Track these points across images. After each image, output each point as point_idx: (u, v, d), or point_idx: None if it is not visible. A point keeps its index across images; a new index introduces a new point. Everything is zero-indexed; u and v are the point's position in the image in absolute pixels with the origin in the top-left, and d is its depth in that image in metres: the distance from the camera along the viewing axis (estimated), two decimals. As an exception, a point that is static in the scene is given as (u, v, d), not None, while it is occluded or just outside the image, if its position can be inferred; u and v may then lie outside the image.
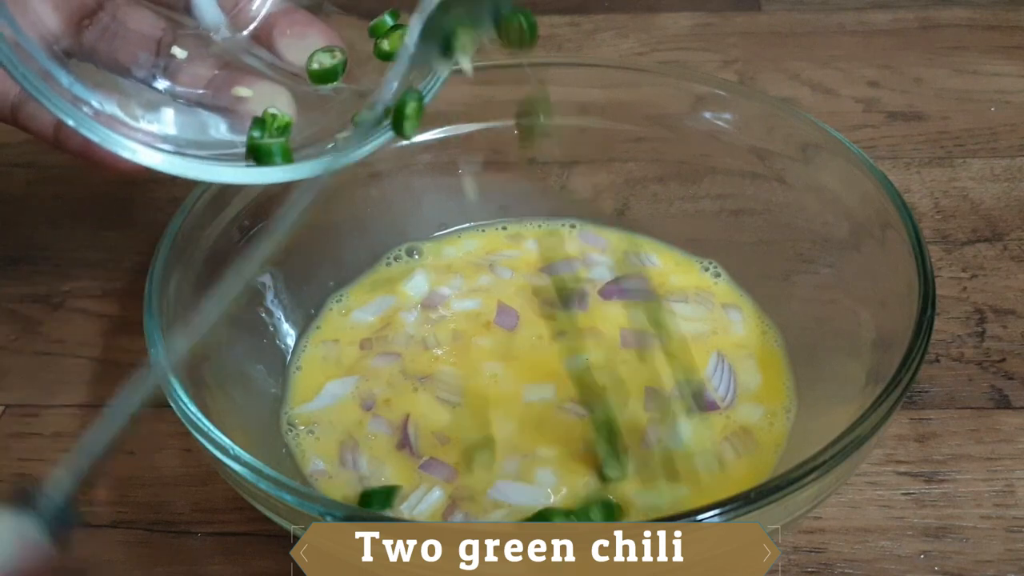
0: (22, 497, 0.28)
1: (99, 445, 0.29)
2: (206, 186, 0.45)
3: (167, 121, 0.39)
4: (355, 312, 0.51)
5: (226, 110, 0.39)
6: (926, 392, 0.49)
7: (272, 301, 0.49)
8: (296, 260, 0.49)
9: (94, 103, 0.36)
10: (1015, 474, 0.46)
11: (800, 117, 0.49)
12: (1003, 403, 0.49)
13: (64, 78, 0.35)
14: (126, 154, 0.35)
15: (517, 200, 0.56)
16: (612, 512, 0.40)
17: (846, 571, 0.42)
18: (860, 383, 0.41)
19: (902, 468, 0.46)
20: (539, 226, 0.55)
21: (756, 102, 0.51)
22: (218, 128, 0.39)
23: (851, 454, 0.34)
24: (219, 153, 0.39)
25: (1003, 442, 0.47)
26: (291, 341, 0.49)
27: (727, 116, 0.51)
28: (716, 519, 0.32)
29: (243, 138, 0.38)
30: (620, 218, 0.55)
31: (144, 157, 0.35)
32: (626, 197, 0.55)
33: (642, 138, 0.53)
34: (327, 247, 0.51)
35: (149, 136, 0.37)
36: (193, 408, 0.36)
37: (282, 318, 0.49)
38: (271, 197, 0.49)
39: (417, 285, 0.52)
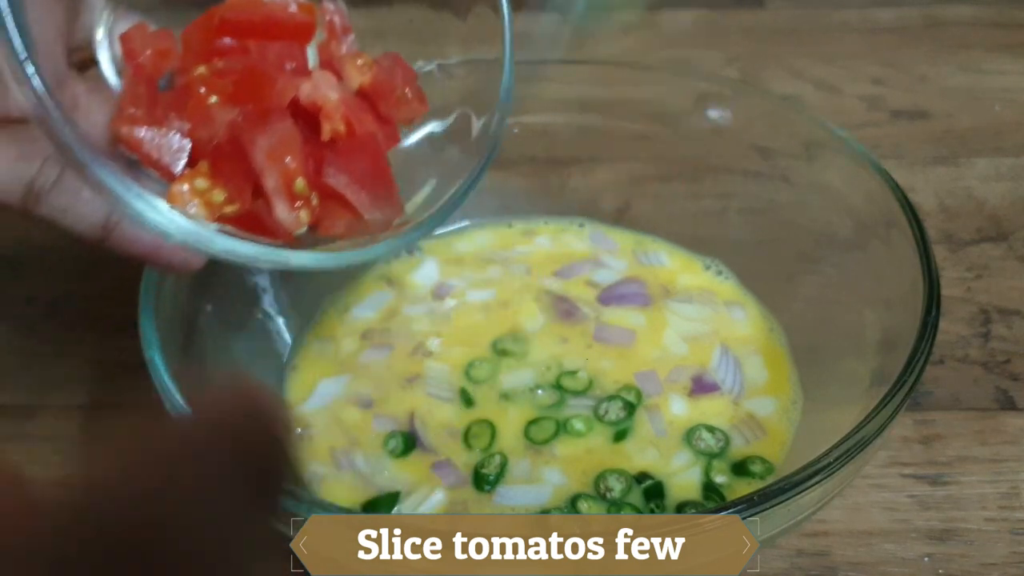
0: None
1: None
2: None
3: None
4: (353, 309, 0.51)
5: None
6: (931, 393, 0.49)
7: (270, 304, 0.48)
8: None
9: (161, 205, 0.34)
10: (1020, 476, 0.45)
11: (803, 115, 0.49)
12: (1008, 404, 0.48)
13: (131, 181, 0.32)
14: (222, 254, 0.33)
15: (518, 199, 0.55)
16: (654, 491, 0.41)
17: (850, 574, 0.42)
18: (865, 384, 0.40)
19: (906, 470, 0.46)
20: (545, 223, 0.55)
21: (759, 100, 0.51)
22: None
23: (855, 456, 0.34)
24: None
25: (1008, 444, 0.47)
26: (289, 341, 0.49)
27: (730, 114, 0.51)
28: (720, 522, 0.32)
29: None
30: (622, 217, 0.55)
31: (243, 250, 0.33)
32: (628, 196, 0.55)
33: (644, 136, 0.53)
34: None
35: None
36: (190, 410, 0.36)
37: (280, 319, 0.49)
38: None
39: (427, 274, 0.52)
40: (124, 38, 0.35)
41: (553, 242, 0.54)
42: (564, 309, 0.50)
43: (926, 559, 0.42)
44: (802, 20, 0.77)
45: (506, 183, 0.55)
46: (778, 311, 0.50)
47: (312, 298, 0.51)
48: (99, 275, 0.58)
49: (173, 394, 0.37)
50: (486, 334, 0.49)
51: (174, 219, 0.32)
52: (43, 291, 0.57)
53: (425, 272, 0.52)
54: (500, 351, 0.48)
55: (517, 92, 0.41)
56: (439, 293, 0.51)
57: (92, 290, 0.57)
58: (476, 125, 0.40)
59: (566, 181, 0.56)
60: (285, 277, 0.49)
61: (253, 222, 0.34)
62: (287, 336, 0.49)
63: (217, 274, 0.45)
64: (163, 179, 0.34)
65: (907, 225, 0.42)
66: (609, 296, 0.51)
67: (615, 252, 0.53)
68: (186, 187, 0.34)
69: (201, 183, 0.34)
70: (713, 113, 0.51)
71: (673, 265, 0.53)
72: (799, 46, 0.75)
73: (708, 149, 0.52)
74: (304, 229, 0.35)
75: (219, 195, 0.34)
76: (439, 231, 0.54)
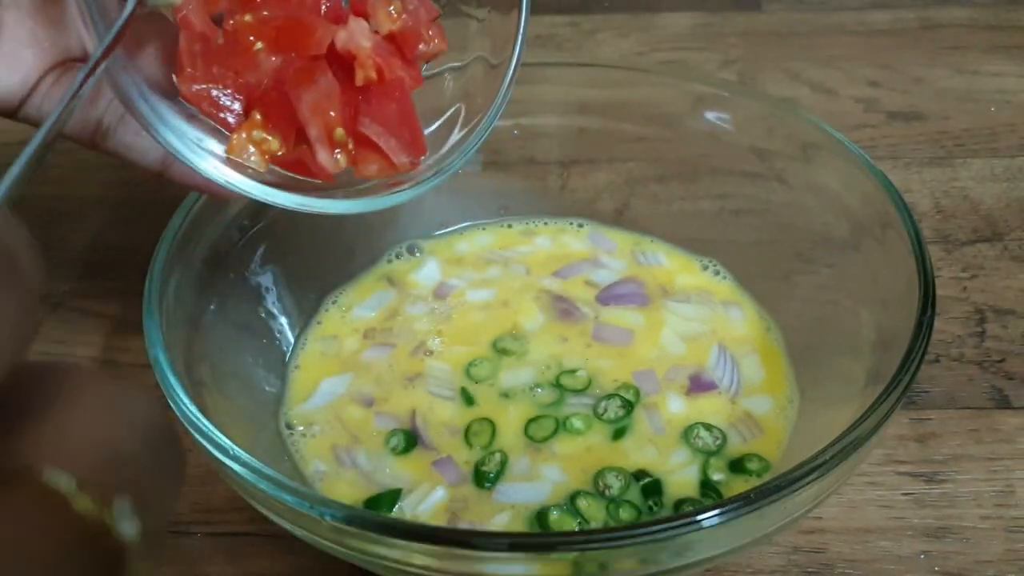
0: None
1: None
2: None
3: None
4: (355, 308, 0.51)
5: None
6: (926, 392, 0.49)
7: (273, 303, 0.49)
8: (298, 260, 0.49)
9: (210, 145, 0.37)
10: (1015, 474, 0.46)
11: (800, 117, 0.49)
12: (1003, 403, 0.49)
13: (184, 125, 0.36)
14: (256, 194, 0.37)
15: (517, 199, 0.56)
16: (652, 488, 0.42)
17: (846, 571, 0.42)
18: (860, 383, 0.41)
19: (902, 468, 0.46)
20: (544, 223, 0.55)
21: (756, 102, 0.51)
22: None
23: (851, 454, 0.34)
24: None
25: (1003, 442, 0.47)
26: (291, 340, 0.49)
27: (727, 116, 0.51)
28: (716, 519, 0.32)
29: None
30: (620, 218, 0.55)
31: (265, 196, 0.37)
32: (626, 197, 0.55)
33: (642, 138, 0.53)
34: (329, 246, 0.51)
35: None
36: (193, 408, 0.36)
37: (283, 318, 0.49)
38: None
39: (429, 274, 0.52)
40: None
41: (552, 242, 0.55)
42: (563, 309, 0.50)
43: (922, 556, 0.43)
44: (799, 23, 0.78)
45: (505, 184, 0.56)
46: (775, 311, 0.50)
47: (314, 298, 0.51)
48: (100, 275, 0.58)
49: (178, 393, 0.37)
50: (486, 333, 0.49)
51: (219, 170, 0.36)
52: (45, 290, 0.57)
53: (426, 272, 0.53)
54: (500, 350, 0.48)
55: (517, 94, 0.42)
56: (440, 293, 0.52)
57: (94, 289, 0.57)
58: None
59: (565, 182, 0.56)
60: (287, 276, 0.49)
61: (298, 164, 0.38)
62: (290, 335, 0.49)
63: (221, 274, 0.46)
64: (223, 129, 0.37)
65: (903, 226, 0.42)
66: (608, 296, 0.51)
67: (614, 252, 0.54)
68: (244, 135, 0.37)
69: (258, 134, 0.37)
70: (711, 115, 0.51)
71: (671, 265, 0.53)
72: (796, 49, 0.75)
73: (706, 150, 0.52)
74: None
75: (274, 143, 0.37)
76: (440, 231, 0.55)
